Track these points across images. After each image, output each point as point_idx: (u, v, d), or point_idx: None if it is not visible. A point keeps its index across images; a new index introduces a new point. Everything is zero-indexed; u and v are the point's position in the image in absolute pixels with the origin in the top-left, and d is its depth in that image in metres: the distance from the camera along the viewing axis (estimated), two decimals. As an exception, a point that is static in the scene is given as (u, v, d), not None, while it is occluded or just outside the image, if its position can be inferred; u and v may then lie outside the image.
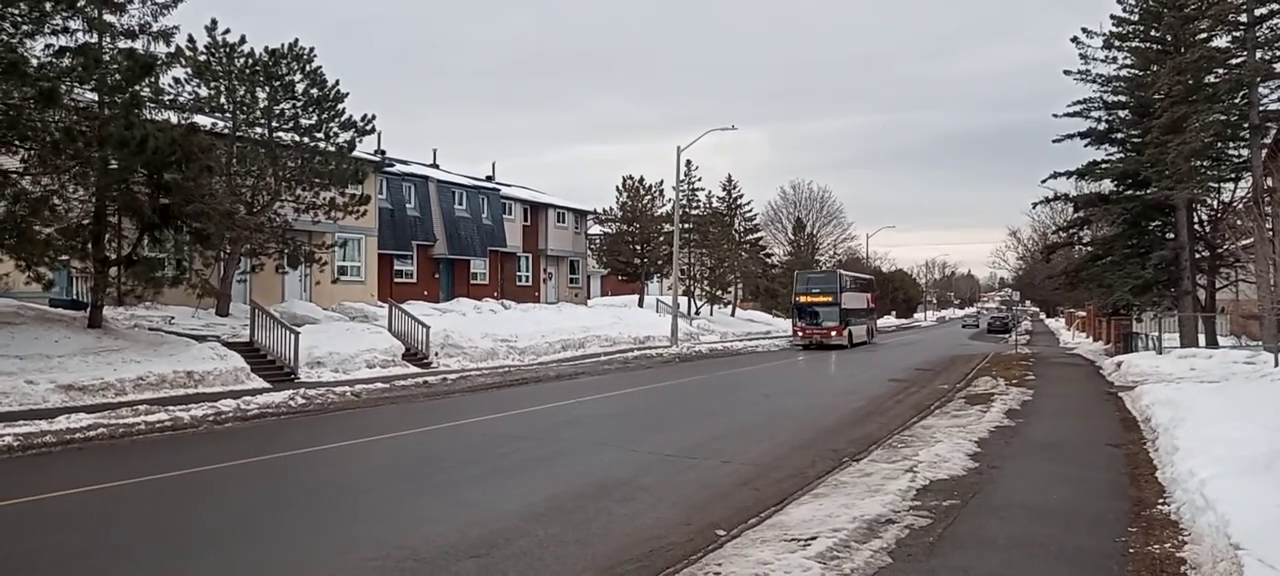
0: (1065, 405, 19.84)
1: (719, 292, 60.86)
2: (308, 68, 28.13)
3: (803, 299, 47.20)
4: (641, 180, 57.16)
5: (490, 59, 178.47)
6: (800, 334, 46.31)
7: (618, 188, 57.32)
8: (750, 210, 70.02)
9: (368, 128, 29.28)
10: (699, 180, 60.29)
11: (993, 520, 8.95)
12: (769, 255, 76.44)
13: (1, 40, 19.03)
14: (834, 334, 45.17)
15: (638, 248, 56.57)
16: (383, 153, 36.85)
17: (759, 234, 72.85)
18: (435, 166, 47.86)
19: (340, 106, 28.53)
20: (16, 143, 19.74)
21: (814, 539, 7.99)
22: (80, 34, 21.08)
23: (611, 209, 58.40)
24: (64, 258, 21.31)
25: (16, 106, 19.32)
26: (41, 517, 9.32)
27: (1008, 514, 9.24)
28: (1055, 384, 25.29)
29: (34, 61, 19.52)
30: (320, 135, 28.36)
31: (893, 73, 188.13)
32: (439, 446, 14.23)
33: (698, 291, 59.88)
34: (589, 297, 59.95)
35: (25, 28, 19.58)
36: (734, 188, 67.64)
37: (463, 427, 15.96)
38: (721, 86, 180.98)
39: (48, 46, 20.19)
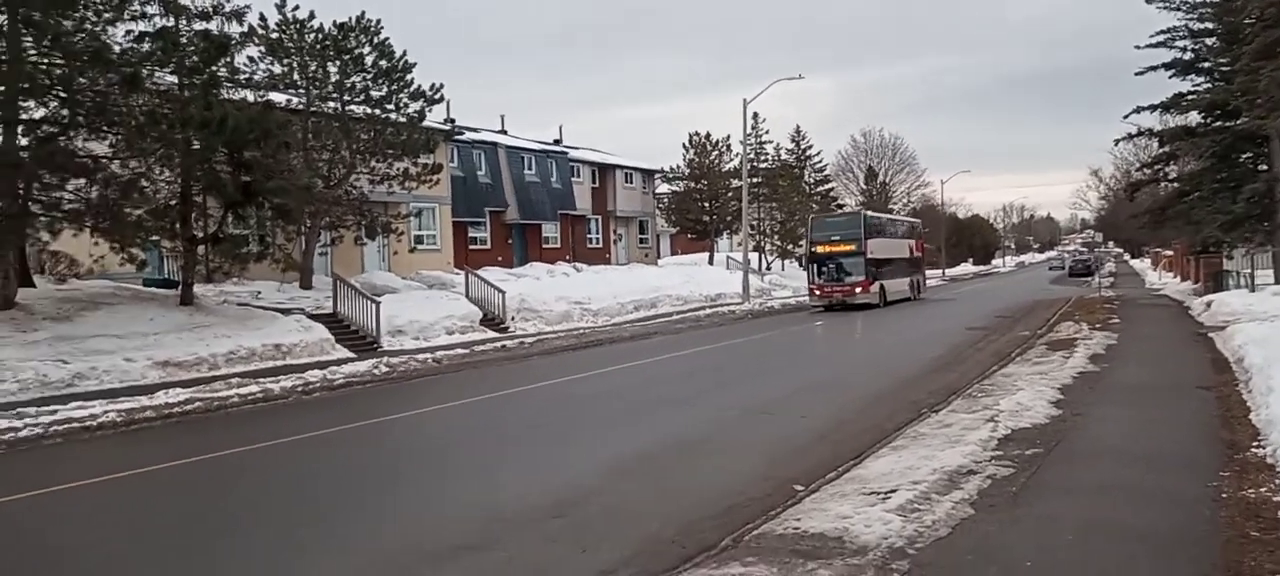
0: (1152, 348, 19.28)
1: (790, 247, 60.37)
2: (376, 40, 28.56)
3: (819, 248, 38.13)
4: (708, 136, 56.74)
5: (553, 23, 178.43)
6: (817, 293, 37.41)
7: (684, 145, 57.04)
8: (820, 161, 69.11)
9: (437, 97, 29.67)
10: (766, 133, 59.76)
11: (1078, 467, 8.81)
12: (841, 206, 75.45)
13: (86, 29, 19.75)
14: (859, 291, 36.13)
15: (706, 204, 56.32)
16: (452, 121, 37.28)
17: (830, 185, 71.89)
18: (504, 133, 48.22)
19: (409, 77, 28.93)
20: (104, 128, 20.53)
21: (894, 492, 7.97)
22: (157, 19, 21.71)
23: (678, 167, 58.16)
24: (154, 238, 22.13)
25: (103, 93, 20.08)
26: (147, 488, 9.83)
27: (1093, 460, 9.08)
28: (1141, 326, 24.57)
29: (116, 48, 20.22)
30: (391, 106, 28.84)
31: (964, 9, 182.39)
32: (520, 408, 14.52)
33: (768, 246, 59.45)
34: (659, 257, 60.02)
35: (107, 16, 20.26)
36: (802, 138, 66.82)
37: (541, 389, 16.25)
38: (787, 35, 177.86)
39: (128, 33, 20.87)
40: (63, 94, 20.01)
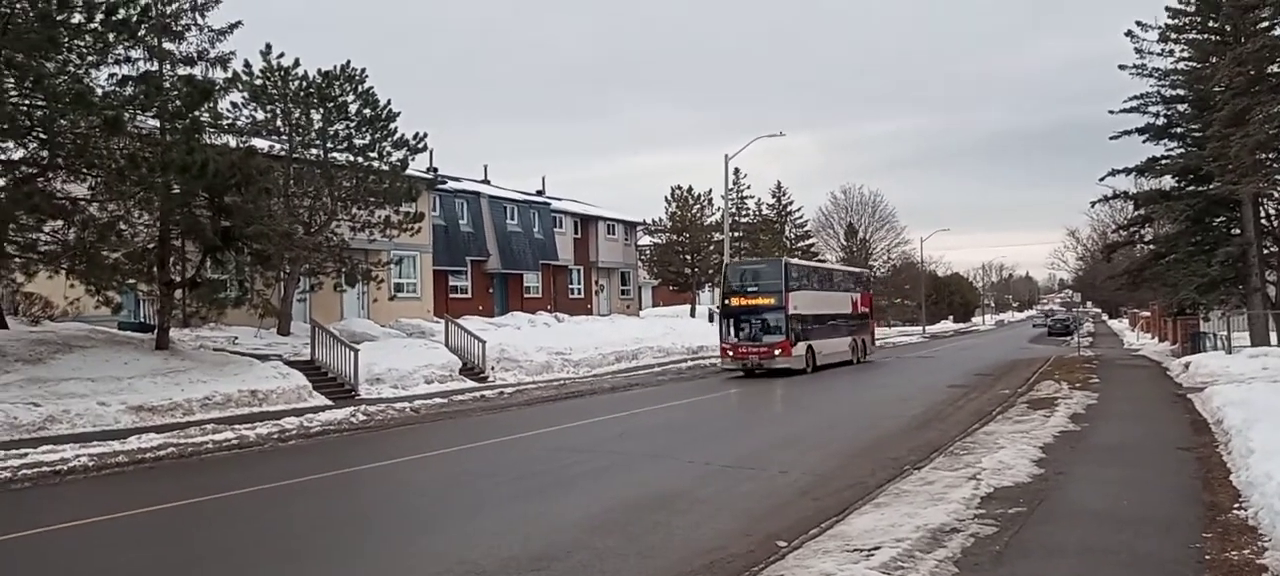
0: (1132, 408, 19.35)
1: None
2: (360, 88, 28.66)
3: (734, 300, 31.47)
4: (690, 189, 57.23)
5: (537, 71, 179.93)
6: (729, 353, 30.81)
7: (666, 198, 57.51)
8: (801, 216, 69.77)
9: (420, 146, 29.75)
10: (748, 188, 60.30)
11: (1061, 527, 8.76)
12: (820, 259, 75.92)
13: (68, 71, 19.70)
14: (778, 353, 29.63)
15: (688, 257, 56.58)
16: (435, 170, 37.33)
17: (810, 240, 72.47)
18: (487, 182, 48.32)
19: (392, 126, 29.01)
20: (84, 170, 20.41)
21: (877, 549, 7.89)
22: (141, 63, 21.76)
23: (660, 219, 58.56)
24: (131, 281, 21.91)
25: (84, 135, 19.98)
26: (116, 534, 9.58)
27: (1076, 520, 9.03)
28: (1121, 386, 24.69)
29: (99, 91, 20.18)
30: (374, 155, 28.85)
31: (943, 71, 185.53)
32: (498, 460, 14.33)
33: (749, 300, 59.64)
34: (641, 308, 60.02)
35: (91, 59, 20.25)
36: (784, 194, 67.48)
37: (521, 441, 16.07)
38: (768, 90, 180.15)
39: (112, 76, 20.87)
40: (43, 135, 19.90)
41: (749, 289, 31.43)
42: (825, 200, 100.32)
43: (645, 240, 61.38)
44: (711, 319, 51.39)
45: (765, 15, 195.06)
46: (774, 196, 67.05)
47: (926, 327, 79.71)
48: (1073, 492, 10.37)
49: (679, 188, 57.31)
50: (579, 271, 51.21)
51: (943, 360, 39.73)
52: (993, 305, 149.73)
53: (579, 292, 51.16)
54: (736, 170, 60.84)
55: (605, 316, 48.60)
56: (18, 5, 18.81)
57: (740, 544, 8.49)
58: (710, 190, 57.66)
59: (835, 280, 38.22)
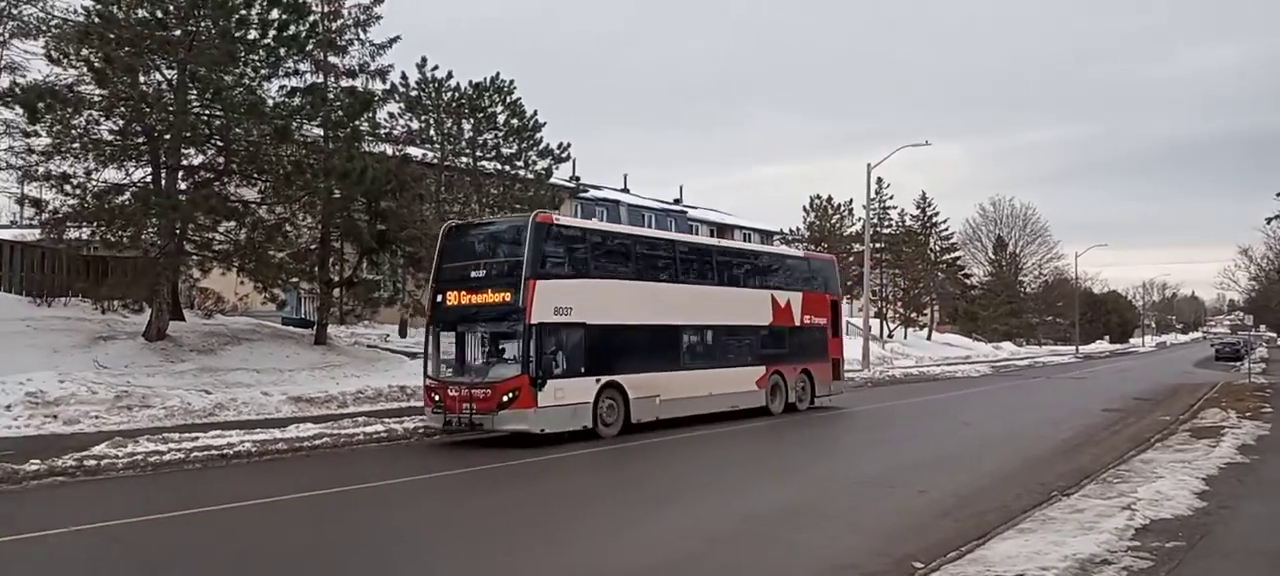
0: (1311, 442, 17.84)
1: (913, 315, 58.92)
2: (508, 99, 29.62)
3: (451, 297, 16.79)
4: (829, 199, 56.41)
5: (674, 83, 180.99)
6: (434, 397, 16.41)
7: (805, 207, 56.83)
8: (946, 228, 67.51)
9: (563, 155, 30.49)
10: (891, 198, 58.80)
11: (1224, 564, 8.19)
12: (968, 276, 73.25)
13: (243, 84, 21.20)
14: (510, 400, 15.37)
15: (827, 269, 55.67)
16: (577, 178, 38.20)
17: (957, 253, 70.07)
18: (625, 191, 49.07)
19: (538, 135, 29.85)
20: (255, 175, 21.90)
21: (1020, 576, 7.57)
22: (308, 75, 23.20)
23: (798, 229, 57.84)
24: (294, 279, 23.36)
25: (256, 143, 21.44)
26: (276, 515, 10.24)
27: (1242, 559, 8.42)
28: (1298, 418, 22.79)
29: (270, 102, 21.63)
30: (520, 163, 29.76)
31: (1102, 76, 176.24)
32: (622, 468, 14.51)
33: (891, 314, 58.19)
34: (777, 319, 59.44)
35: (263, 72, 21.72)
36: (928, 205, 65.50)
37: (652, 446, 16.19)
38: (913, 98, 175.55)
39: (281, 87, 22.35)
40: (220, 143, 21.47)
41: (473, 275, 16.66)
42: (973, 212, 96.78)
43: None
44: (848, 332, 50.46)
45: (902, 22, 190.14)
46: (918, 207, 65.16)
47: (1080, 348, 75.75)
48: (1239, 528, 9.66)
49: (818, 197, 56.67)
50: (716, 280, 51.10)
51: (1097, 382, 37.65)
52: (1154, 326, 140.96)
53: (715, 302, 51.06)
54: (879, 179, 59.43)
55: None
56: (202, 24, 20.37)
57: (874, 563, 8.32)
58: (851, 200, 56.73)
59: (717, 262, 20.96)
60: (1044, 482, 12.67)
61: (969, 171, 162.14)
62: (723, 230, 52.14)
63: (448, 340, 16.98)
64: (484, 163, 29.73)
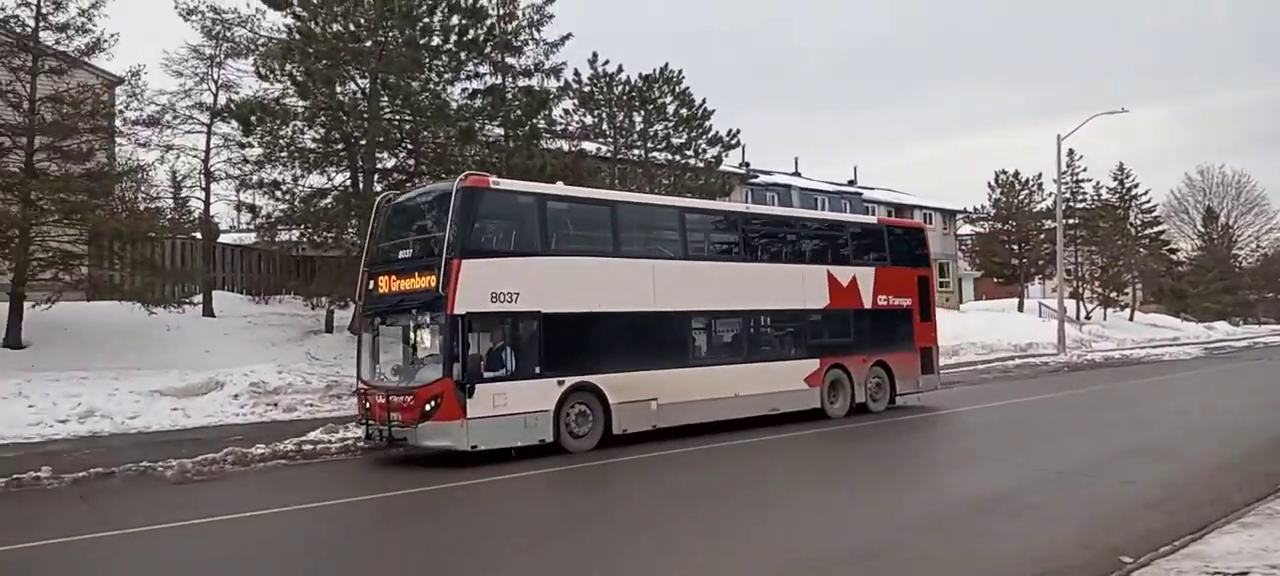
0: None
1: (1113, 294, 55.07)
2: (677, 89, 29.86)
3: (382, 282, 14.12)
4: (1016, 174, 53.41)
5: (843, 57, 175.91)
6: (365, 403, 13.79)
7: (989, 183, 54.07)
8: (1147, 200, 62.68)
9: (733, 143, 30.43)
10: (1083, 170, 54.84)
11: None
12: (1173, 251, 67.75)
13: (429, 89, 22.38)
14: (433, 409, 12.46)
15: (1014, 247, 52.92)
16: (747, 164, 38.01)
17: (1160, 227, 64.97)
18: (797, 174, 48.43)
19: (707, 123, 29.95)
20: (443, 175, 23.02)
21: (1246, 574, 6.95)
22: (488, 78, 24.22)
23: (983, 207, 55.17)
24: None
25: (442, 145, 22.60)
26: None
27: None
28: None
29: (454, 104, 22.72)
30: (690, 153, 29.98)
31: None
32: (813, 456, 14.31)
33: (1087, 293, 54.68)
34: (961, 302, 57.14)
35: (447, 76, 22.86)
36: (1126, 176, 61.09)
37: (834, 435, 15.92)
38: (1107, 61, 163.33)
39: (463, 90, 23.46)
40: (410, 146, 22.76)
41: (401, 256, 14.20)
42: (1177, 183, 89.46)
43: (965, 229, 58.27)
44: (1041, 314, 47.81)
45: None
46: (1116, 179, 60.77)
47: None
48: None
49: (1004, 172, 53.74)
50: (894, 263, 49.74)
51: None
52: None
53: (894, 285, 49.69)
54: (1070, 151, 55.74)
55: (922, 310, 46.82)
56: (390, 34, 21.63)
57: (1077, 555, 7.85)
58: (1040, 174, 53.34)
59: (746, 233, 17.58)
60: (1270, 474, 11.58)
61: (1169, 138, 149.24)
62: (901, 209, 50.55)
63: (391, 336, 13.98)
64: (655, 153, 30.10)
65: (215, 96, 23.60)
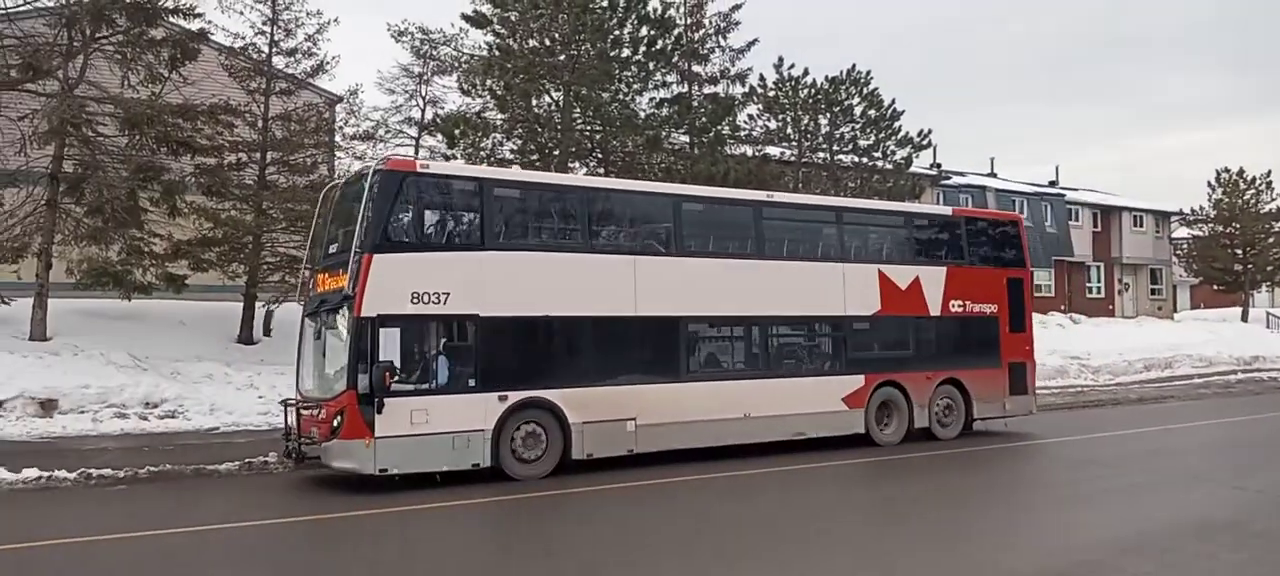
0: None
1: (1355, 303, 49.55)
2: (865, 90, 29.31)
3: (318, 280, 13.06)
4: (1241, 172, 48.83)
5: (1041, 53, 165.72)
6: (287, 418, 12.38)
7: (1209, 183, 49.62)
8: None
9: (924, 143, 29.59)
10: (1323, 167, 49.63)
11: None
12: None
13: (618, 100, 23.06)
14: (340, 424, 10.85)
15: (1238, 252, 48.47)
16: (938, 165, 36.79)
17: None
18: (992, 175, 46.35)
19: (897, 124, 29.24)
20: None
21: None
22: (674, 86, 24.67)
23: (1201, 208, 50.77)
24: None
25: (630, 153, 23.22)
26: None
27: None
28: None
29: (642, 114, 23.31)
30: (877, 154, 29.38)
31: None
32: (1008, 469, 13.79)
33: (1324, 302, 49.40)
34: (1175, 311, 52.95)
35: (635, 87, 23.48)
36: (1378, 172, 54.59)
37: (1034, 449, 15.26)
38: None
39: (651, 99, 24.02)
40: (600, 155, 23.51)
41: (331, 250, 12.79)
42: None
43: (1181, 233, 53.88)
44: (1269, 324, 43.62)
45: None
46: (1362, 175, 54.49)
47: None
48: None
49: (1226, 170, 49.24)
50: (1098, 268, 46.80)
51: None
52: None
53: (1098, 291, 46.73)
54: (1306, 146, 50.50)
55: (1130, 319, 43.80)
56: (582, 47, 22.46)
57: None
58: (1268, 172, 48.52)
59: (761, 224, 14.62)
60: None
61: None
62: (1106, 212, 47.43)
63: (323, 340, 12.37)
64: (841, 156, 29.67)
65: (422, 111, 25.31)
